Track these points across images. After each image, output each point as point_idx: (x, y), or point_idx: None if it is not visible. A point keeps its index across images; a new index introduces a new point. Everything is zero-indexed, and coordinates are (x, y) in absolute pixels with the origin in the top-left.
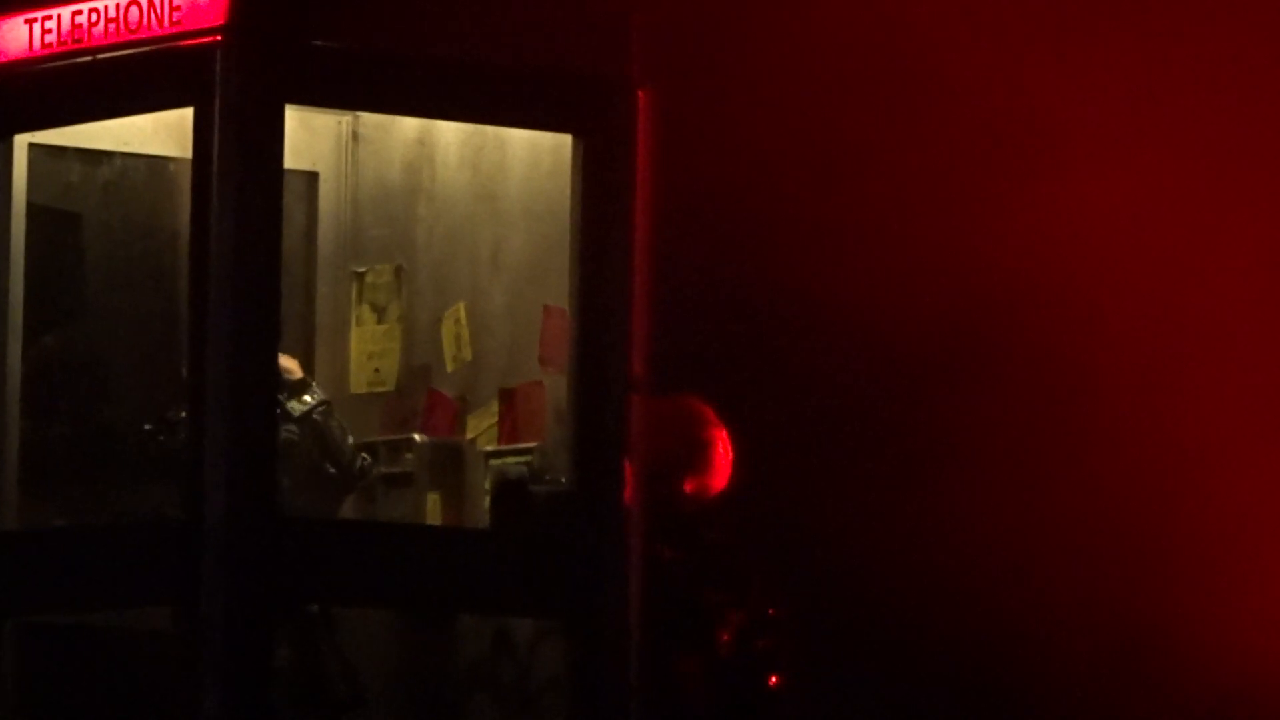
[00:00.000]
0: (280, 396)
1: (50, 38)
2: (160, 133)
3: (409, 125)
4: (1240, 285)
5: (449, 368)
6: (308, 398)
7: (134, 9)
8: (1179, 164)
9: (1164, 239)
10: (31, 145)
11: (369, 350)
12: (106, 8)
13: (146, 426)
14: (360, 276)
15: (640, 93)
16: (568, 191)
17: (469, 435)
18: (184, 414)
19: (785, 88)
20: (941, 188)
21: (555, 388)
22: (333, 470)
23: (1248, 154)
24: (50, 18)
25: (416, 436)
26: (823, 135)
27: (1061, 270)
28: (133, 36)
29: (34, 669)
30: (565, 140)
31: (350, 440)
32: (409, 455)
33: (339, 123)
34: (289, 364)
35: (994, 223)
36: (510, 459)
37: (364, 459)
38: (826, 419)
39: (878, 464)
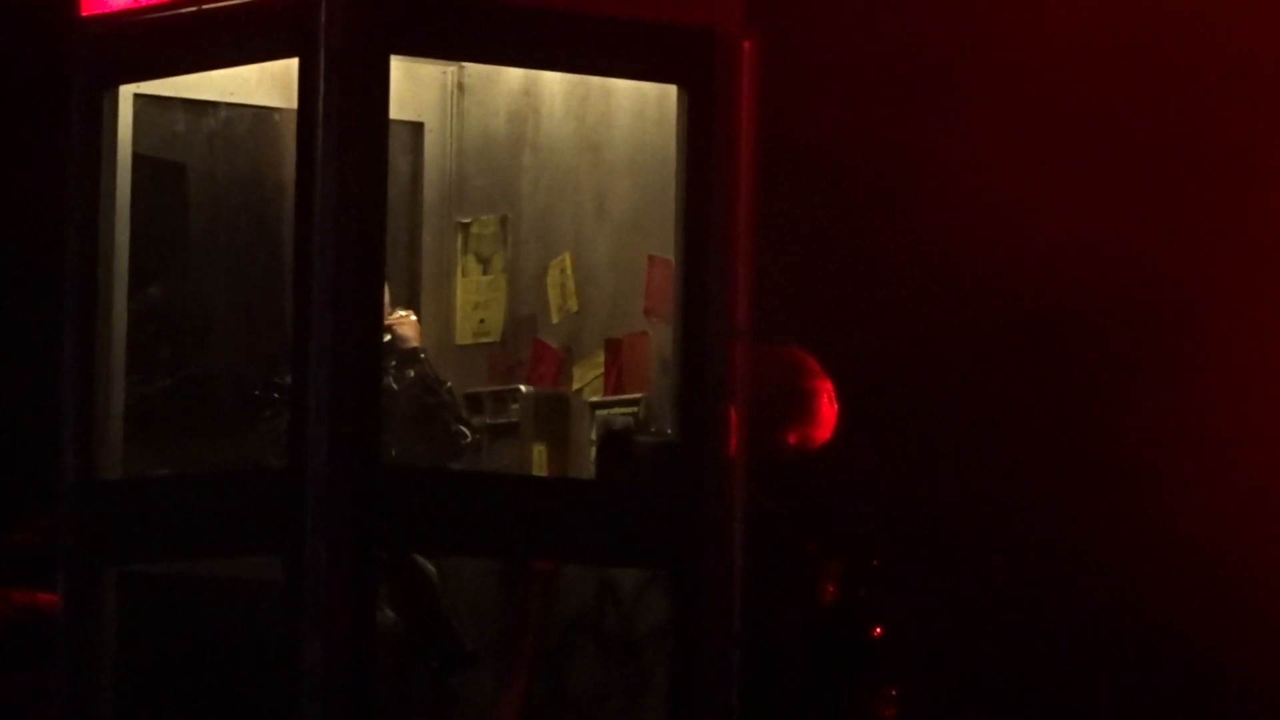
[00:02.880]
0: (390, 364)
1: None
2: (265, 83)
3: (514, 75)
4: None
5: (554, 318)
6: (411, 372)
7: None
8: None
9: None
10: (136, 96)
11: (474, 301)
12: None
13: (255, 392)
14: (465, 227)
15: (745, 43)
16: (672, 142)
17: (574, 386)
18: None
19: (891, 36)
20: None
21: (660, 338)
22: (432, 443)
23: None
24: None
25: (522, 387)
26: (930, 85)
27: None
28: None
29: (135, 618)
30: (670, 91)
31: (455, 416)
32: (514, 406)
33: (444, 73)
34: (409, 332)
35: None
36: (616, 410)
37: (464, 434)
38: (930, 368)
39: (984, 414)
